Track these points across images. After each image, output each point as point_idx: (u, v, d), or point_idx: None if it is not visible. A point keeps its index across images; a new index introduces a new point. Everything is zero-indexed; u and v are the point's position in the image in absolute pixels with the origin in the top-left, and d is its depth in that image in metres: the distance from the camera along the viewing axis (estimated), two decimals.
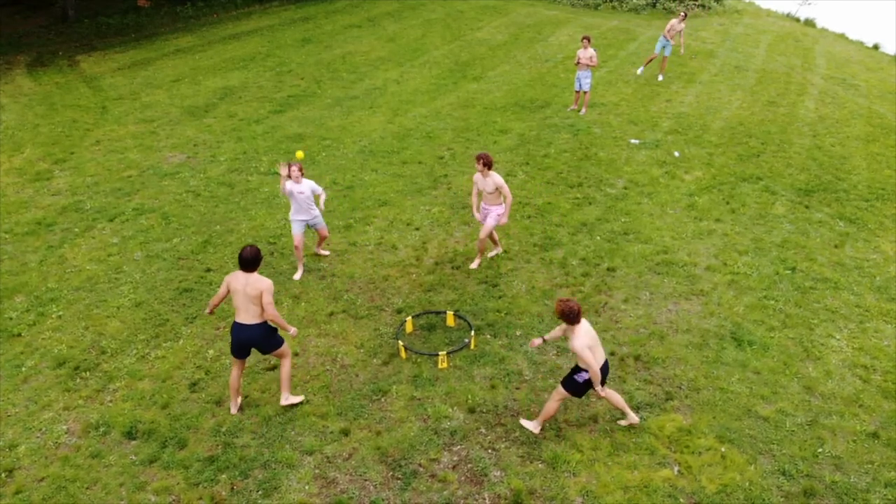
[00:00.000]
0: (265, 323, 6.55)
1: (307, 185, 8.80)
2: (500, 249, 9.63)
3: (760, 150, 13.25)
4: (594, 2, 26.11)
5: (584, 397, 7.00)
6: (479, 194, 9.05)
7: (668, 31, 16.67)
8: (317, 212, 9.03)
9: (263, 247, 9.90)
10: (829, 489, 6.11)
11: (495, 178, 8.75)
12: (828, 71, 18.96)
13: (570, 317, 6.02)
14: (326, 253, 9.67)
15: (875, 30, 24.21)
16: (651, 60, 17.34)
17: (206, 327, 8.27)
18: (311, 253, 9.69)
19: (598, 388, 6.26)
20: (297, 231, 8.92)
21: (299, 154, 9.13)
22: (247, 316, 6.50)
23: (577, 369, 6.36)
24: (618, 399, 6.62)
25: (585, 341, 6.07)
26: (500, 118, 14.73)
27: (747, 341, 7.93)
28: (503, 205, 8.90)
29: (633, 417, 6.71)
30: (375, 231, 10.30)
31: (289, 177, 8.65)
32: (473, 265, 9.34)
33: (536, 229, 10.31)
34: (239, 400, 6.99)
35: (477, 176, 8.89)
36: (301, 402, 7.04)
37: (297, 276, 9.17)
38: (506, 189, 8.77)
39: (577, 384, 6.35)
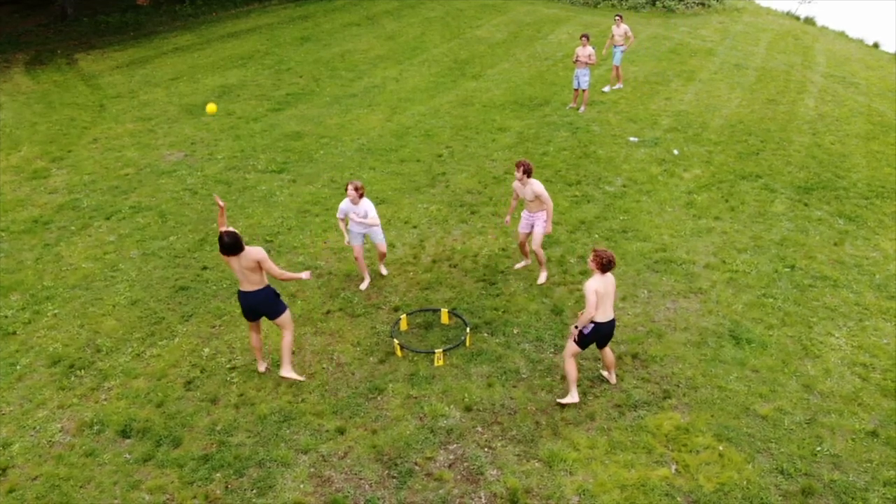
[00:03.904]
0: (267, 287, 6.91)
1: (363, 208, 8.31)
2: (528, 262, 9.27)
3: (760, 147, 13.20)
4: (593, 0, 26.06)
5: (581, 396, 6.98)
6: (520, 202, 8.82)
7: (614, 39, 16.03)
8: (373, 221, 8.45)
9: (261, 244, 9.87)
10: (828, 488, 6.07)
11: (535, 185, 8.46)
12: (828, 69, 18.91)
13: (603, 264, 6.53)
14: (386, 272, 9.15)
15: (875, 28, 24.17)
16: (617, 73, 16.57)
17: (201, 325, 8.23)
18: (374, 269, 9.24)
19: (576, 327, 6.68)
20: (356, 243, 8.59)
21: (211, 108, 8.68)
22: (249, 285, 6.87)
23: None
24: (571, 371, 6.80)
25: (596, 285, 6.49)
26: (499, 116, 14.69)
27: (746, 339, 7.89)
28: (545, 212, 8.60)
29: (574, 397, 6.87)
30: None
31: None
32: (541, 279, 8.90)
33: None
34: (264, 363, 7.37)
35: (516, 184, 8.61)
36: (300, 380, 7.23)
37: (363, 285, 8.87)
38: (545, 196, 8.48)
39: (581, 334, 6.69)
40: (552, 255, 9.53)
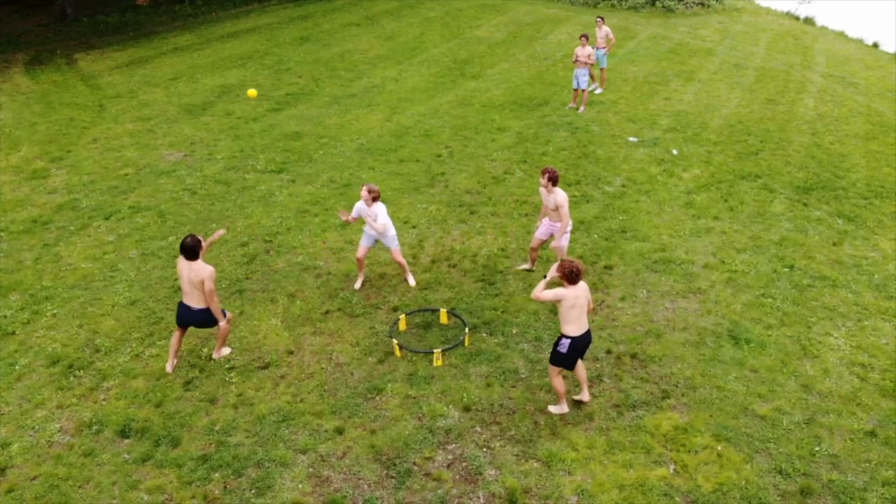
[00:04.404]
0: (208, 309, 7.03)
1: (375, 211, 8.26)
2: (531, 267, 9.14)
3: (759, 147, 13.20)
4: (593, 0, 26.05)
5: (581, 403, 6.97)
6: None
7: (596, 41, 15.86)
8: (388, 229, 8.40)
9: (259, 245, 9.87)
10: (827, 488, 6.07)
11: (559, 197, 8.19)
12: (827, 69, 18.90)
13: (571, 276, 6.31)
14: (413, 282, 8.89)
15: (874, 28, 24.16)
16: (602, 78, 16.36)
17: None
18: (403, 280, 9.05)
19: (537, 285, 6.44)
20: (364, 243, 8.59)
21: (251, 92, 8.72)
22: (191, 299, 7.02)
23: (557, 341, 6.54)
24: (559, 386, 6.66)
25: (563, 292, 6.31)
26: (499, 116, 14.69)
27: (745, 339, 7.89)
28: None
29: (563, 408, 6.76)
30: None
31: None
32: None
33: (534, 227, 10.25)
34: (175, 361, 7.47)
35: (541, 189, 8.37)
36: (230, 351, 7.63)
37: (357, 284, 8.83)
38: (564, 210, 8.20)
39: (559, 354, 6.50)
40: (551, 255, 9.53)
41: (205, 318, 7.11)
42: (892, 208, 11.00)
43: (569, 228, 8.49)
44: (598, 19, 15.93)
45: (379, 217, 8.26)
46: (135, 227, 10.44)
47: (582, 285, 6.42)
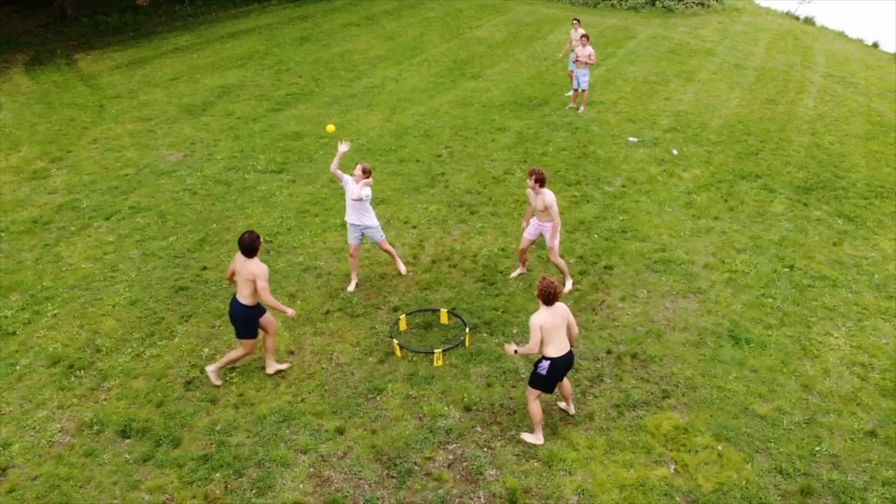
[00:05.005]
0: (250, 307, 6.92)
1: (361, 187, 8.32)
2: (524, 271, 9.10)
3: (759, 147, 13.21)
4: (593, 0, 26.06)
5: (580, 396, 6.98)
6: (534, 212, 8.65)
7: (572, 44, 15.32)
8: (370, 220, 8.49)
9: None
10: (827, 488, 6.08)
11: (547, 197, 8.20)
12: (827, 69, 18.91)
13: (546, 297, 6.08)
14: (405, 270, 9.08)
15: (874, 28, 24.16)
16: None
17: (200, 325, 8.24)
18: (394, 271, 9.20)
19: (515, 349, 6.32)
20: (352, 240, 8.61)
21: (330, 128, 8.44)
22: (240, 294, 6.94)
23: (537, 363, 6.30)
24: (536, 412, 6.41)
25: (541, 321, 6.08)
26: (499, 116, 14.70)
27: (745, 339, 7.89)
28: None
29: (539, 439, 6.49)
30: None
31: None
32: (567, 287, 8.68)
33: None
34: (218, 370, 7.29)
35: (529, 191, 8.39)
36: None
37: (351, 287, 8.82)
38: (554, 210, 8.23)
39: (539, 376, 6.28)
40: (544, 254, 9.52)
41: (241, 316, 6.94)
42: (892, 208, 11.00)
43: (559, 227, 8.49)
44: (575, 21, 15.24)
45: (364, 191, 8.29)
46: (135, 228, 10.45)
47: (560, 306, 6.18)
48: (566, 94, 15.74)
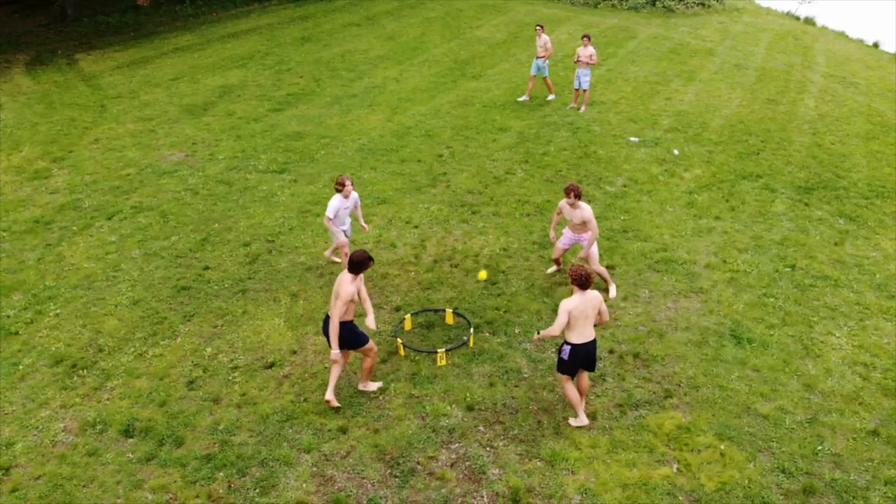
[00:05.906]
0: (342, 323, 6.56)
1: (353, 200, 8.68)
2: (558, 268, 9.10)
3: (760, 147, 13.22)
4: (593, 0, 26.07)
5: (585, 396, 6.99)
6: (561, 221, 8.65)
7: (545, 49, 15.26)
8: (348, 223, 8.88)
9: (262, 245, 9.89)
10: (829, 487, 6.09)
11: (585, 212, 8.15)
12: (828, 69, 18.92)
13: (581, 281, 6.27)
14: (338, 259, 9.34)
15: (875, 28, 24.17)
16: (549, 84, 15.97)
17: (203, 325, 8.24)
18: (327, 259, 9.45)
19: (538, 333, 6.51)
20: (342, 240, 8.80)
21: (482, 275, 8.36)
22: (331, 308, 6.64)
23: (560, 348, 6.51)
24: (571, 395, 6.58)
25: (571, 306, 6.25)
26: (500, 116, 14.70)
27: (747, 339, 7.90)
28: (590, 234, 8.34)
29: (583, 420, 6.66)
30: (374, 229, 10.27)
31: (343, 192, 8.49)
32: (612, 294, 8.65)
33: (535, 227, 10.28)
34: (333, 388, 6.94)
35: (563, 204, 8.29)
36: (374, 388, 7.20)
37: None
38: (593, 224, 8.19)
39: (562, 361, 6.47)
40: (552, 254, 9.54)
41: (326, 326, 6.68)
42: (893, 208, 11.01)
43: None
44: (538, 27, 15.24)
45: (356, 200, 8.72)
46: (137, 227, 10.46)
47: (593, 294, 6.35)
48: (548, 98, 15.65)
